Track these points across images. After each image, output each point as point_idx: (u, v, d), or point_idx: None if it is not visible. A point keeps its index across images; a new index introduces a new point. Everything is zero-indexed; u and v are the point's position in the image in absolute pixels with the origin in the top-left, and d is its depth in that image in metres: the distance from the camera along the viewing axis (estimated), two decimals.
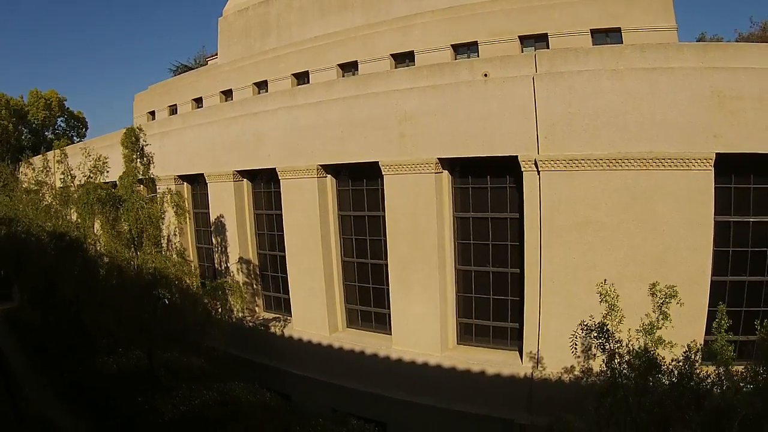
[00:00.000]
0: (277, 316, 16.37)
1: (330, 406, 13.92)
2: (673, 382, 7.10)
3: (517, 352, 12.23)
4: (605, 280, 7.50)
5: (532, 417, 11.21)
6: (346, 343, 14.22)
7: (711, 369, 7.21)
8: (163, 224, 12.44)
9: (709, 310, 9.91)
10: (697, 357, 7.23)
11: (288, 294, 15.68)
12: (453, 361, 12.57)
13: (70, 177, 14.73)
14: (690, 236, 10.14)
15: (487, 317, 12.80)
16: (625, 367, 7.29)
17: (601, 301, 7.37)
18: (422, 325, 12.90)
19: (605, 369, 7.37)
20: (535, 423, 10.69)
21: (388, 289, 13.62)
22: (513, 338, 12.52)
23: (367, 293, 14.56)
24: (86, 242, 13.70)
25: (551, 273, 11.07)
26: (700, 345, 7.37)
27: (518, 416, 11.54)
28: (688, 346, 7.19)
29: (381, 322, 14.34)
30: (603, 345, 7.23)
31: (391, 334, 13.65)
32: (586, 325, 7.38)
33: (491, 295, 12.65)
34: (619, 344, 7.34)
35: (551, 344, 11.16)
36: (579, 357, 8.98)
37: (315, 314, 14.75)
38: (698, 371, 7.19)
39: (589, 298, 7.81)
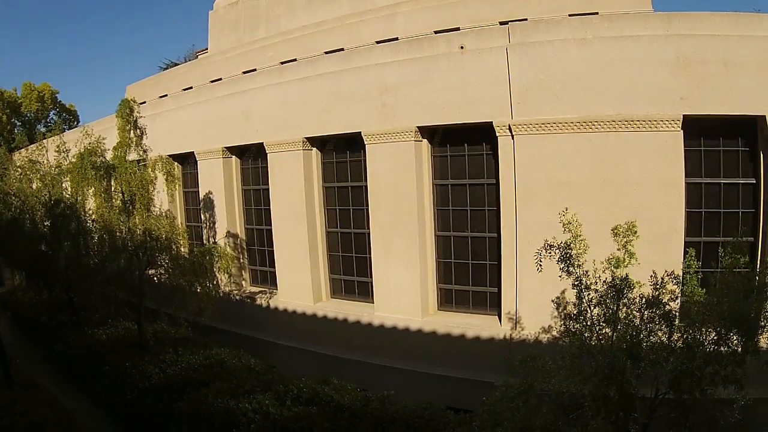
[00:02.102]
0: (263, 289, 16.66)
1: (313, 374, 14.16)
2: (642, 306, 6.94)
3: (496, 317, 12.56)
4: (566, 208, 7.71)
5: (510, 378, 11.44)
6: (329, 312, 14.54)
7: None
8: (154, 189, 12.80)
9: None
10: (668, 280, 7.17)
11: (274, 268, 15.99)
12: (433, 325, 12.88)
13: (64, 152, 15.04)
14: (662, 195, 10.51)
15: (467, 282, 13.17)
16: (594, 295, 7.16)
17: (564, 231, 7.63)
18: (403, 291, 13.22)
19: (575, 295, 7.37)
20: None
21: (370, 259, 13.96)
22: (492, 303, 12.86)
23: (351, 263, 14.91)
24: (80, 211, 13.99)
25: (527, 234, 11.41)
26: (667, 271, 7.32)
27: (498, 378, 11.80)
28: (654, 272, 7.12)
29: (364, 291, 14.68)
30: (567, 269, 7.19)
31: (373, 303, 13.95)
32: (549, 244, 7.28)
33: (470, 260, 13.02)
34: (585, 274, 7.32)
35: (528, 305, 11.54)
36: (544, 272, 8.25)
37: (300, 284, 15.07)
38: (666, 299, 7.19)
39: None
